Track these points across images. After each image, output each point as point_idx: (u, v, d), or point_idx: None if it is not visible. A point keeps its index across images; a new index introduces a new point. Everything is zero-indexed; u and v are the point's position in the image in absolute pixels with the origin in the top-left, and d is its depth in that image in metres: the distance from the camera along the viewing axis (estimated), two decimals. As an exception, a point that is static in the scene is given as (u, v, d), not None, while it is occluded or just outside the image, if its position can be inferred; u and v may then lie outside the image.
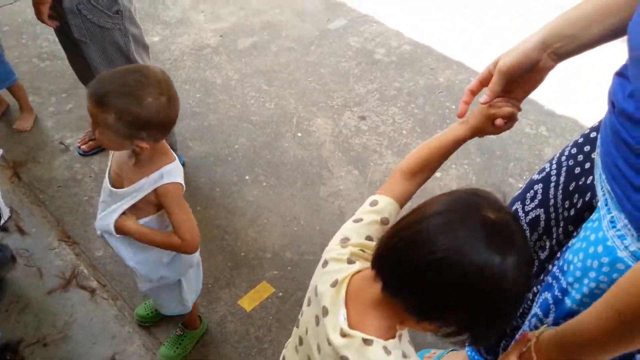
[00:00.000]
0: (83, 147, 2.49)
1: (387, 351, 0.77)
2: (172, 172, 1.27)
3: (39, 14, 1.79)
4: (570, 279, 0.89)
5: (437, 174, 2.49)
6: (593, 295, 0.82)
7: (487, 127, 0.97)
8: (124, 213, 1.30)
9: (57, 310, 1.92)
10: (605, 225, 0.84)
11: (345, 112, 2.83)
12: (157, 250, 1.38)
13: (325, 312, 0.85)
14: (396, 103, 2.90)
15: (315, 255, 2.13)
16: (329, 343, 0.82)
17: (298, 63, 3.16)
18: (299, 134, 2.69)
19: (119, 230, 1.30)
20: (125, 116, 1.12)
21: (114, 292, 2.00)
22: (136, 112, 1.12)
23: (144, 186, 1.25)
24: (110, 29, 1.81)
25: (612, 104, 0.85)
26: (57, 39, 2.16)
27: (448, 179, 2.50)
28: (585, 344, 0.78)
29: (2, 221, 1.79)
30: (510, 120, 0.98)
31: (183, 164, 2.43)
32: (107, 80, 1.15)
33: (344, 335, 0.80)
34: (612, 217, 0.83)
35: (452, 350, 1.80)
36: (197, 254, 1.54)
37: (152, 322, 1.91)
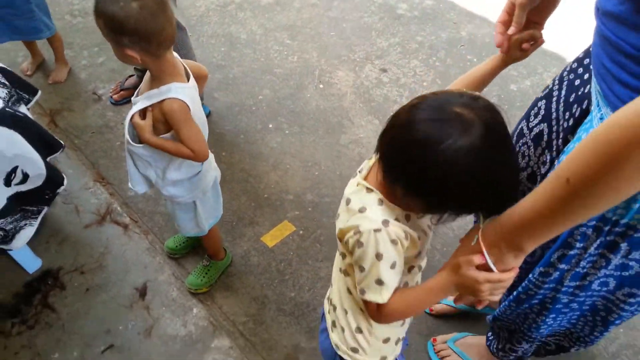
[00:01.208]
0: (115, 96, 2.61)
1: (381, 202, 0.90)
2: (179, 91, 1.35)
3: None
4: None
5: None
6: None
7: (516, 53, 1.08)
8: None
9: (93, 242, 2.06)
10: (595, 124, 0.89)
11: (366, 64, 2.87)
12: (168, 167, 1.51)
13: (347, 201, 0.95)
14: (417, 56, 2.92)
15: (335, 198, 2.22)
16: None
17: (321, 18, 3.20)
18: (321, 86, 2.75)
19: (136, 127, 1.40)
20: (105, 20, 1.23)
21: (145, 227, 2.13)
22: (110, 15, 1.21)
23: (153, 96, 1.35)
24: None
25: (597, 9, 0.89)
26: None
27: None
28: (532, 220, 0.75)
29: (62, 187, 1.90)
30: (535, 43, 1.08)
31: (209, 114, 2.55)
32: None
33: (357, 185, 0.95)
34: (602, 114, 0.88)
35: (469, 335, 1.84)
36: (210, 183, 1.64)
37: (181, 254, 2.04)
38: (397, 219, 0.90)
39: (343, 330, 1.13)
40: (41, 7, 2.51)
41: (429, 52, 2.95)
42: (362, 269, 0.92)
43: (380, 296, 0.93)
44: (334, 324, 1.16)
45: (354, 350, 1.13)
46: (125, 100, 2.59)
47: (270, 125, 2.55)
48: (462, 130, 0.75)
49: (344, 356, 1.16)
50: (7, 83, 1.87)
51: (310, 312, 1.88)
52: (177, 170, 1.52)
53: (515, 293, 1.28)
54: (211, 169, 1.66)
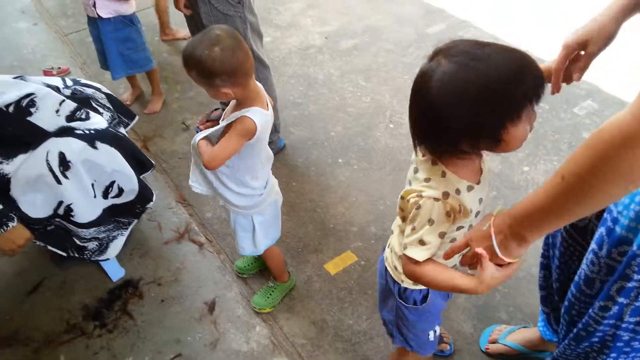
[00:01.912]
0: (201, 127, 2.85)
1: (444, 174, 1.04)
2: (256, 114, 1.49)
3: (176, 3, 2.15)
4: (620, 208, 0.97)
5: (525, 168, 2.54)
6: (639, 219, 0.90)
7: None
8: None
9: (171, 257, 2.23)
10: None
11: (437, 108, 2.95)
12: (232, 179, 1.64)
13: (415, 170, 1.11)
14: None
15: (398, 232, 2.28)
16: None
17: (395, 63, 3.34)
18: (391, 125, 2.86)
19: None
20: (197, 70, 1.41)
21: (218, 247, 2.28)
22: (199, 65, 1.40)
23: (234, 116, 1.51)
24: (232, 16, 2.11)
25: None
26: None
27: (536, 173, 2.53)
28: (532, 213, 0.84)
29: (151, 203, 2.11)
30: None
31: (284, 146, 2.72)
32: (186, 47, 1.45)
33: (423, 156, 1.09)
34: None
35: (522, 327, 1.85)
36: (269, 204, 1.77)
37: (249, 274, 2.16)
38: (457, 191, 1.03)
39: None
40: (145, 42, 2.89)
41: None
42: (412, 227, 1.04)
43: (419, 254, 1.04)
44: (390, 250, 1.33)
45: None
46: (210, 131, 2.82)
47: (340, 160, 2.67)
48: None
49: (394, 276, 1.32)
50: (111, 107, 2.12)
51: (366, 341, 1.93)
52: (238, 185, 1.66)
53: (575, 330, 1.28)
54: (273, 192, 1.79)
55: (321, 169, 2.63)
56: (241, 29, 2.16)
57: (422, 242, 1.03)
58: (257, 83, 1.57)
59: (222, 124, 1.54)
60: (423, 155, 1.08)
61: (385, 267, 1.35)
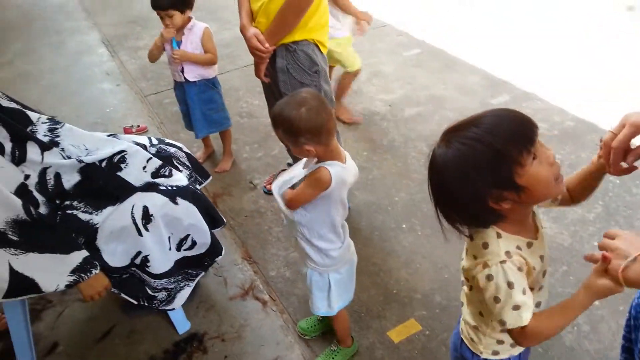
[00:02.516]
0: (267, 186, 2.95)
1: (499, 235, 1.06)
2: (333, 165, 1.56)
3: (257, 71, 2.29)
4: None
5: (596, 242, 2.45)
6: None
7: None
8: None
9: (235, 313, 2.27)
10: None
11: (502, 177, 2.94)
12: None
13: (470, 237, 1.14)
14: (556, 173, 2.93)
15: (464, 302, 2.23)
16: None
17: (459, 132, 3.37)
18: (456, 193, 2.86)
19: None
20: (284, 129, 1.53)
21: (282, 306, 2.30)
22: (287, 123, 1.51)
23: (312, 168, 1.59)
24: (308, 85, 2.23)
25: None
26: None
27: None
28: None
29: (220, 257, 2.20)
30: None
31: (348, 209, 2.76)
32: (274, 108, 1.58)
33: None
34: None
35: None
36: (345, 262, 1.79)
37: (312, 336, 2.15)
38: (518, 247, 1.04)
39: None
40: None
41: (568, 171, 2.93)
42: (497, 300, 1.03)
43: (521, 319, 1.03)
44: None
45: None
46: (276, 191, 2.92)
47: (404, 226, 2.68)
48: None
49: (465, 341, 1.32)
50: (190, 166, 2.25)
51: (431, 415, 1.86)
52: (317, 238, 1.70)
53: None
54: (349, 251, 1.82)
55: (384, 233, 2.64)
56: (316, 96, 2.27)
57: (516, 307, 1.03)
58: (337, 141, 1.65)
59: (303, 172, 1.62)
60: (471, 238, 1.10)
61: (461, 339, 1.33)
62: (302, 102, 1.51)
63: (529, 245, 1.07)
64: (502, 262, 1.02)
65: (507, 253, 1.03)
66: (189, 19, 2.78)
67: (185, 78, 2.85)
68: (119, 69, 4.64)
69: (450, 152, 1.01)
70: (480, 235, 1.07)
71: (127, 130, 3.63)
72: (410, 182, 2.98)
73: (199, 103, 2.96)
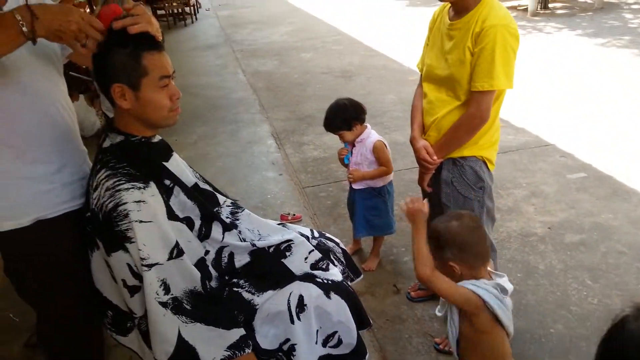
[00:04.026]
0: (412, 293, 2.91)
1: None
2: (483, 286, 1.54)
3: (421, 181, 2.37)
4: None
5: None
6: None
7: None
8: None
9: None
10: None
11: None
12: None
13: None
14: None
15: None
16: None
17: (629, 267, 3.07)
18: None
19: None
20: (433, 239, 1.59)
21: None
22: (436, 234, 1.58)
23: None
24: (472, 199, 2.24)
25: None
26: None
27: None
28: None
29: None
30: None
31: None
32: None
33: None
34: None
35: None
36: None
37: None
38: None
39: None
40: (392, 209, 3.19)
41: None
42: None
43: None
44: None
45: None
46: (421, 299, 2.86)
47: (559, 363, 2.43)
48: None
49: None
50: (344, 262, 2.33)
51: None
52: None
53: None
54: None
55: (538, 366, 2.42)
56: (477, 212, 2.26)
57: None
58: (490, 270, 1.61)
59: None
60: None
61: None
62: (457, 217, 1.54)
63: None
64: None
65: None
66: (364, 127, 2.99)
67: (351, 186, 3.06)
68: (283, 160, 5.07)
69: None
70: None
71: (283, 217, 3.88)
72: (569, 314, 2.73)
73: (362, 208, 3.10)
